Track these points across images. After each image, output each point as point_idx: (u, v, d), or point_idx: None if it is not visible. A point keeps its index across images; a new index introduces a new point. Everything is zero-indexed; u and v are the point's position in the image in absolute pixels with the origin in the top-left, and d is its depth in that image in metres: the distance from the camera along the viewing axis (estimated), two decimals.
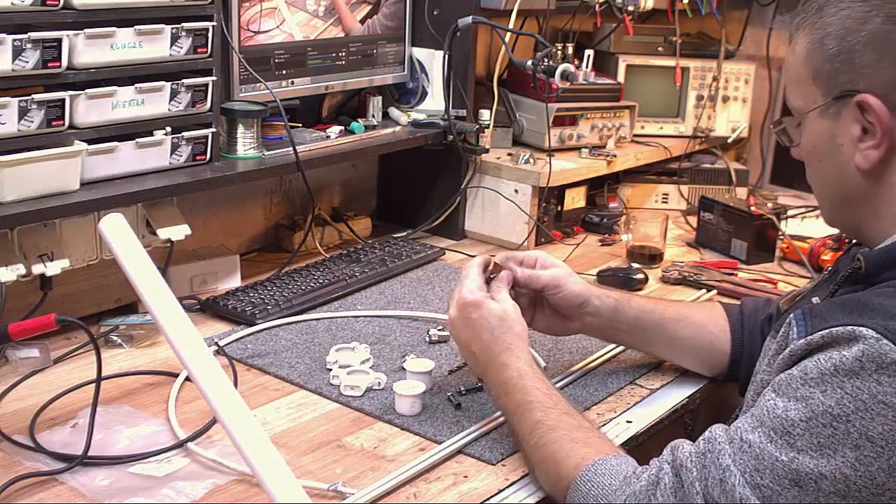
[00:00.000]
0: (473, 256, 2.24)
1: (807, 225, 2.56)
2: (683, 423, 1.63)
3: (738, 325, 1.58)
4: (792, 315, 1.15)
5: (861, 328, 1.03)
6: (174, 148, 1.76)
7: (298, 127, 2.15)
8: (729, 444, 1.08)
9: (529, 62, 2.17)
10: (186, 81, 1.75)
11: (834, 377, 1.03)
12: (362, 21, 2.22)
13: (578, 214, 2.48)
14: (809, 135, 1.21)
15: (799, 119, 1.23)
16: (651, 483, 1.12)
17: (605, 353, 1.73)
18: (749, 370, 1.45)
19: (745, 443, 1.07)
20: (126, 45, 1.64)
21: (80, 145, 1.61)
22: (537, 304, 1.58)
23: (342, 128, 2.19)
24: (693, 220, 2.51)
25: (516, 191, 2.28)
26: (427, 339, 1.76)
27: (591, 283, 1.66)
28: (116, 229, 1.12)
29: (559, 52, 2.49)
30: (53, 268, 1.61)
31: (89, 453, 1.32)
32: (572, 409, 1.32)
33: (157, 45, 1.69)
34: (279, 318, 1.80)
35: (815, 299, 1.21)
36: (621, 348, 1.75)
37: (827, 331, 1.06)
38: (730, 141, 2.80)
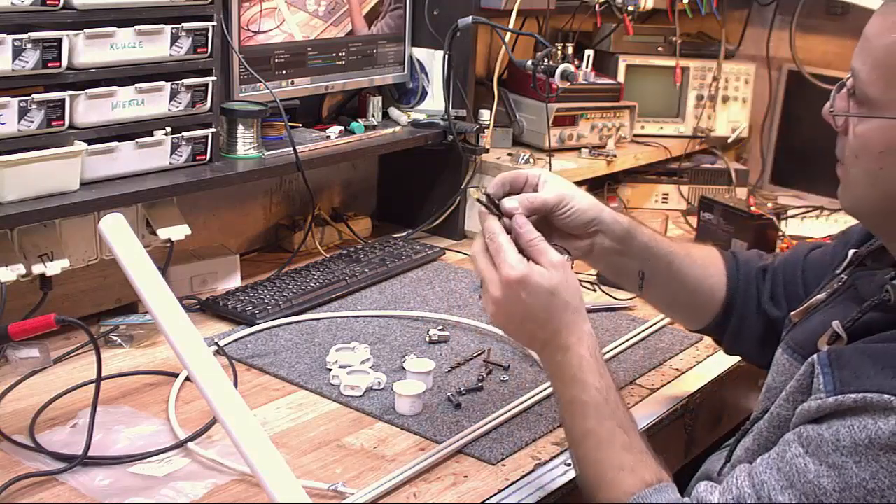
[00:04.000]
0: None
1: (807, 225, 2.56)
2: (683, 423, 1.63)
3: (735, 275, 1.49)
4: (816, 358, 1.10)
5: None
6: (174, 148, 1.76)
7: (298, 127, 2.15)
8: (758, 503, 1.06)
9: (529, 62, 2.17)
10: (186, 81, 1.74)
11: (869, 449, 1.00)
12: (368, 20, 2.22)
13: None
14: (878, 135, 1.11)
15: (869, 112, 1.11)
16: None
17: (605, 353, 1.73)
18: (739, 327, 1.44)
19: None
20: (126, 45, 1.64)
21: (80, 145, 1.61)
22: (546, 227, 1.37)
23: (342, 128, 2.19)
24: (693, 220, 2.51)
25: None
26: (427, 339, 1.76)
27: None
28: (116, 229, 1.12)
29: (559, 52, 2.49)
30: (53, 268, 1.61)
31: (89, 453, 1.32)
32: (626, 419, 1.23)
33: (157, 45, 1.69)
34: (279, 318, 1.80)
35: (835, 323, 1.15)
36: (621, 348, 1.75)
37: (860, 395, 1.02)
38: (730, 141, 2.80)
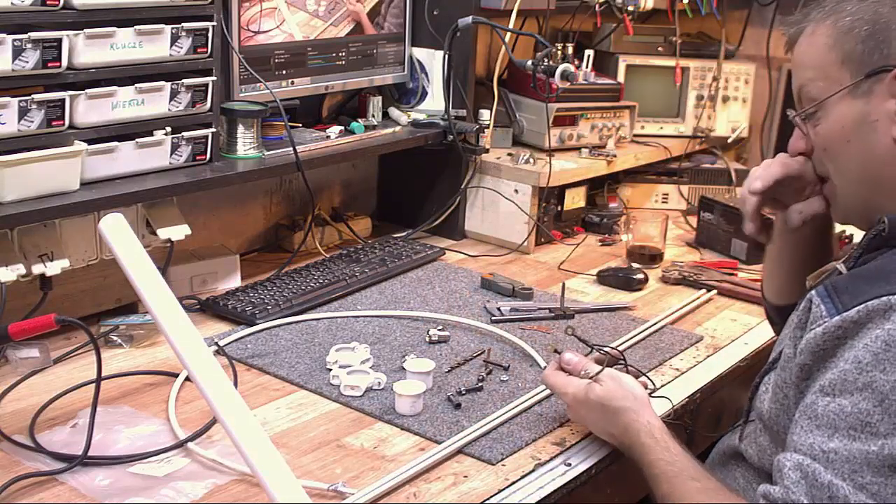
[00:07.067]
0: (474, 256, 2.25)
1: None
2: (683, 423, 1.63)
3: None
4: (814, 292, 1.13)
5: (893, 297, 1.05)
6: (174, 148, 1.76)
7: (298, 127, 2.15)
8: (817, 462, 1.06)
9: (529, 62, 2.17)
10: (186, 81, 1.74)
11: (887, 352, 1.04)
12: (371, 18, 2.22)
13: (578, 214, 2.48)
14: (835, 118, 1.23)
15: (816, 107, 1.24)
16: None
17: None
18: None
19: (831, 452, 1.05)
20: (126, 45, 1.64)
21: (80, 145, 1.61)
22: None
23: (342, 128, 2.19)
24: (693, 220, 2.51)
25: (516, 191, 2.28)
26: (427, 339, 1.76)
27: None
28: (116, 229, 1.12)
29: (559, 52, 2.49)
30: (53, 268, 1.61)
31: (89, 453, 1.32)
32: (696, 469, 1.27)
33: (157, 45, 1.69)
34: (279, 318, 1.80)
35: (839, 265, 1.21)
36: (621, 348, 1.75)
37: (862, 305, 1.07)
38: (730, 141, 2.80)
